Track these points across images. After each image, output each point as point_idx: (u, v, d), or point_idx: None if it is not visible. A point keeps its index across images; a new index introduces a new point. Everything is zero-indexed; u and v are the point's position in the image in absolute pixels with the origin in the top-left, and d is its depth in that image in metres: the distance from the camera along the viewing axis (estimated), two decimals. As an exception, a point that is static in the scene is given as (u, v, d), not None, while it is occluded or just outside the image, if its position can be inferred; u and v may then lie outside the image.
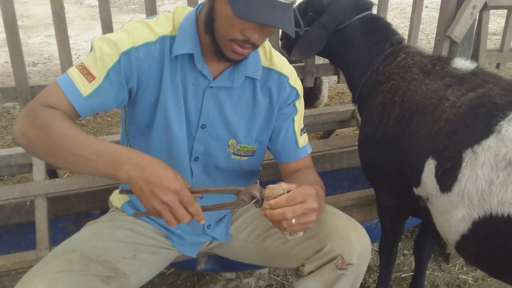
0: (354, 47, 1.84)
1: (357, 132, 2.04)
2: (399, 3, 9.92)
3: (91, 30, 7.13)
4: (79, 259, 1.19)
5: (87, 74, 1.15)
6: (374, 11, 1.94)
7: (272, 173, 2.14)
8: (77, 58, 5.50)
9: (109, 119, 4.05)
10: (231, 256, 1.59)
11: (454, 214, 1.33)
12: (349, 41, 1.84)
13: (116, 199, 1.49)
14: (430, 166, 1.40)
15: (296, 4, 1.91)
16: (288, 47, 2.07)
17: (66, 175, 2.78)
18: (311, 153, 1.48)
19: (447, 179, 1.34)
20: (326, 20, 1.82)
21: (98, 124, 3.93)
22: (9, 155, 1.96)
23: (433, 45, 2.31)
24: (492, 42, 6.51)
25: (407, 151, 1.50)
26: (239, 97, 1.34)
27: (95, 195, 1.90)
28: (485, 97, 1.36)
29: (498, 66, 2.64)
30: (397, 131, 1.55)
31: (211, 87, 1.28)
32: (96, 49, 1.17)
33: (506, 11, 2.51)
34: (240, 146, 1.39)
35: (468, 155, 1.29)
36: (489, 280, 2.21)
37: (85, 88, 1.15)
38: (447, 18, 2.07)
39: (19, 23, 1.99)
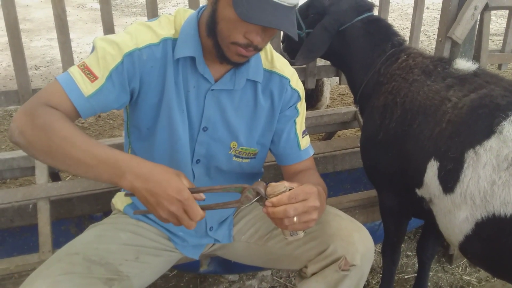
0: (356, 49, 1.84)
1: (359, 133, 2.04)
2: (400, 4, 9.90)
3: (93, 33, 7.13)
4: (81, 261, 1.19)
5: (89, 74, 1.14)
6: (375, 12, 1.94)
7: (274, 174, 2.14)
8: (79, 61, 5.48)
9: (111, 121, 4.05)
10: (233, 258, 1.59)
11: (457, 215, 1.33)
12: (350, 43, 1.84)
13: (119, 201, 1.49)
14: (432, 167, 1.40)
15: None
16: (289, 50, 2.07)
17: (68, 178, 2.78)
18: (313, 154, 1.48)
19: (449, 180, 1.34)
20: (328, 22, 1.82)
21: (100, 127, 3.93)
22: (12, 158, 1.96)
23: (434, 46, 2.31)
24: (493, 42, 6.49)
25: (409, 152, 1.50)
26: (240, 99, 1.34)
27: (98, 198, 1.90)
28: (487, 98, 1.35)
29: (499, 66, 2.64)
30: (399, 132, 1.55)
31: (212, 90, 1.28)
32: (99, 49, 1.17)
33: (507, 11, 2.51)
34: (242, 149, 1.39)
35: (470, 156, 1.29)
36: (492, 281, 2.20)
37: (87, 87, 1.14)
38: (448, 19, 2.07)
39: (21, 26, 2.00)
